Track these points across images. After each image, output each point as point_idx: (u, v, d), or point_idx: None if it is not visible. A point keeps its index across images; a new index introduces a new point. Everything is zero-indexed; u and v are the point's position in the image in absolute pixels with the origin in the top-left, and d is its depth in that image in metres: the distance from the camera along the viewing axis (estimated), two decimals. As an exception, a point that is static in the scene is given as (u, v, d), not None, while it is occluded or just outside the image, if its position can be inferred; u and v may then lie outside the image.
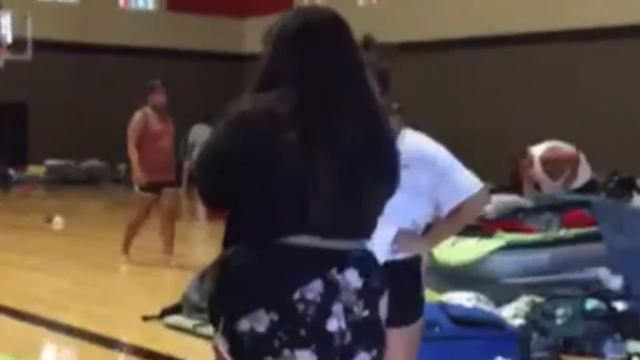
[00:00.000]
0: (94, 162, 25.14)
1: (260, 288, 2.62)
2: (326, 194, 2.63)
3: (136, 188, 10.74)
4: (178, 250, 10.88)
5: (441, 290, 6.96)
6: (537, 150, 9.98)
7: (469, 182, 3.66)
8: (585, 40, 19.13)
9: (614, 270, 7.92)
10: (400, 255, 3.61)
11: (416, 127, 3.82)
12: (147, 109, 10.75)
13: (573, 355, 6.38)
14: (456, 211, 3.67)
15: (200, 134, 22.39)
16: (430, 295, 6.76)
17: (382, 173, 2.78)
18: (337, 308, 2.66)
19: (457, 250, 7.70)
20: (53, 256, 11.52)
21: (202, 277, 7.45)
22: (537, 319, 6.65)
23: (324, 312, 2.64)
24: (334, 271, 2.66)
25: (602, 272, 7.87)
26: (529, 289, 7.29)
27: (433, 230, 3.75)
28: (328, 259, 2.67)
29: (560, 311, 6.70)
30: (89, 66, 25.22)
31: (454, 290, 6.82)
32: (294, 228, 2.63)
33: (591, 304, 6.82)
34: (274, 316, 2.60)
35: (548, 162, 9.93)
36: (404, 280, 3.56)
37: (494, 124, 19.25)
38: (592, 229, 8.34)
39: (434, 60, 21.72)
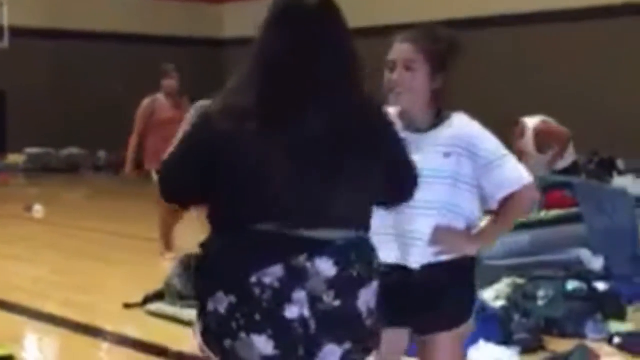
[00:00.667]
0: (74, 150, 25.02)
1: (222, 271, 2.68)
2: (282, 182, 2.63)
3: (153, 174, 10.08)
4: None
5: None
6: (531, 122, 10.06)
7: (517, 173, 3.37)
8: (563, 21, 19.16)
9: (595, 251, 7.96)
10: (444, 257, 3.35)
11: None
12: (159, 95, 10.28)
13: (555, 336, 6.39)
14: (505, 207, 3.40)
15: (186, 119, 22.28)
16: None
17: (358, 156, 2.68)
18: (300, 295, 2.61)
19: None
20: (33, 245, 11.46)
21: (184, 263, 7.45)
22: (518, 301, 6.66)
23: (282, 298, 2.61)
24: (301, 258, 2.62)
25: (583, 253, 7.90)
26: (510, 270, 7.31)
27: (481, 229, 3.47)
28: (295, 246, 2.63)
29: (541, 292, 6.72)
30: (67, 53, 25.06)
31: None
32: (263, 217, 2.65)
33: (572, 284, 6.84)
34: (232, 299, 2.65)
35: (540, 134, 10.03)
36: (447, 286, 3.35)
37: (476, 104, 19.26)
38: (573, 210, 8.37)
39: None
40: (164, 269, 7.63)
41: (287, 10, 2.74)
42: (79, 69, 24.97)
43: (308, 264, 2.62)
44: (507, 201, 3.38)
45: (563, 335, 6.42)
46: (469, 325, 3.50)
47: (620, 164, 17.04)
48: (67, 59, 25.10)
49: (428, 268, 3.27)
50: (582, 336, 6.34)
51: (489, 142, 3.37)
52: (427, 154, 3.26)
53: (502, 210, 3.42)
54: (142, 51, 25.06)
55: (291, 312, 2.62)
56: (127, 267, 9.75)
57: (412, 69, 3.31)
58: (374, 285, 2.73)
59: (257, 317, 2.63)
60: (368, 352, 2.73)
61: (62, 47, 25.13)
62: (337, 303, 2.63)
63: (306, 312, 2.62)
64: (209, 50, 26.85)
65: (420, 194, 3.09)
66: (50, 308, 7.60)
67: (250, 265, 2.64)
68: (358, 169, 2.67)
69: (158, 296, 7.44)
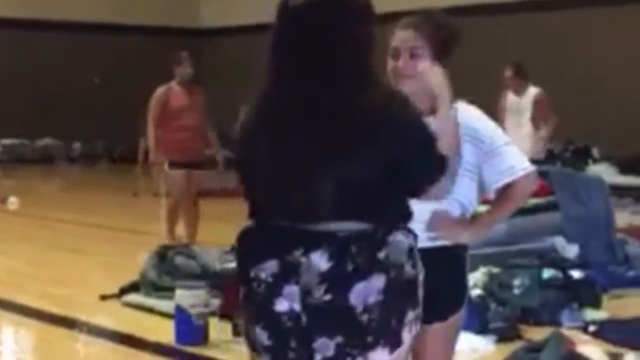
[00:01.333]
0: (49, 141, 24.88)
1: (237, 265, 2.81)
2: (274, 176, 2.69)
3: (166, 166, 9.76)
4: (141, 228, 10.80)
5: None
6: (535, 88, 10.39)
7: (517, 161, 3.33)
8: (545, 10, 19.19)
9: (570, 239, 7.99)
10: (439, 242, 3.30)
11: (473, 102, 3.58)
12: (173, 83, 9.91)
13: (530, 325, 6.42)
14: (504, 195, 3.35)
15: None
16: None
17: (347, 146, 2.64)
18: (292, 290, 2.65)
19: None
20: (8, 237, 11.39)
21: (160, 255, 7.43)
22: (494, 290, 6.68)
23: (274, 292, 2.66)
24: (297, 253, 2.65)
25: (559, 241, 7.94)
26: (486, 259, 7.33)
27: (479, 216, 3.43)
28: (291, 240, 2.66)
29: (517, 281, 6.74)
30: (41, 43, 24.86)
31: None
32: (262, 211, 2.75)
33: (548, 273, 6.87)
34: (243, 290, 2.76)
35: (538, 103, 10.24)
36: (442, 271, 3.26)
37: (461, 93, 19.26)
38: (549, 198, 8.40)
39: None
40: (139, 260, 7.60)
41: (283, 5, 2.74)
42: (54, 60, 24.79)
43: (303, 259, 2.64)
44: (506, 189, 3.35)
45: (539, 323, 6.44)
46: (460, 317, 3.43)
47: (595, 152, 17.13)
48: (40, 49, 24.92)
49: (424, 252, 3.15)
50: (558, 324, 6.37)
51: (491, 129, 3.36)
52: None
53: (501, 198, 3.39)
54: (118, 41, 24.94)
55: (281, 305, 2.66)
56: (102, 259, 9.71)
57: (416, 55, 3.29)
58: (378, 279, 2.64)
59: (252, 309, 2.74)
60: (370, 348, 2.65)
61: (35, 37, 24.95)
62: (327, 297, 2.62)
63: (297, 306, 2.64)
64: (186, 40, 26.73)
65: None
66: (26, 300, 7.56)
67: (249, 260, 2.74)
68: (350, 158, 2.64)
69: (134, 287, 7.42)
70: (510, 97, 10.57)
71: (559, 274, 6.89)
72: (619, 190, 13.04)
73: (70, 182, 20.49)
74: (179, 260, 7.31)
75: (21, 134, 24.47)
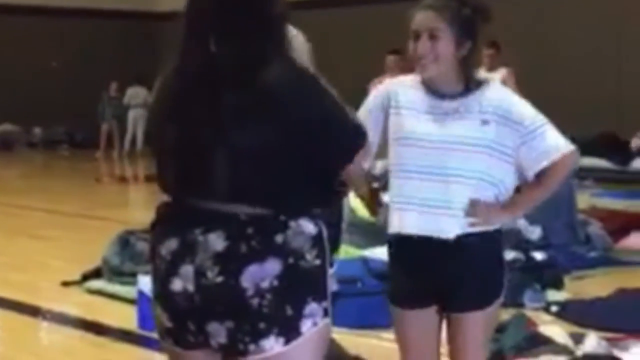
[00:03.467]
0: (8, 127, 24.65)
1: (149, 241, 2.77)
2: (177, 154, 2.65)
3: None
4: (101, 215, 10.74)
5: (362, 245, 6.98)
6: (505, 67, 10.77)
7: (558, 142, 3.22)
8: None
9: (532, 221, 8.03)
10: (477, 228, 3.21)
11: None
12: None
13: (494, 306, 6.45)
14: (545, 174, 3.22)
15: (134, 95, 22.23)
16: (352, 251, 6.79)
17: (250, 124, 2.55)
18: (187, 269, 2.58)
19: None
20: (-31, 224, 11.29)
21: (122, 240, 7.38)
22: (458, 272, 6.70)
23: (171, 270, 2.61)
24: (197, 232, 2.58)
25: (521, 223, 7.97)
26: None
27: (515, 197, 3.29)
28: (194, 219, 2.60)
29: (480, 263, 6.77)
30: (1, 28, 24.64)
31: (375, 246, 6.85)
32: (177, 188, 2.70)
33: (510, 255, 6.90)
34: (151, 267, 2.72)
35: (508, 80, 10.40)
36: (479, 258, 3.23)
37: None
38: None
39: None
40: (101, 246, 7.55)
41: None
42: (13, 44, 24.55)
43: (201, 238, 2.57)
44: (547, 169, 3.22)
45: (502, 304, 6.45)
46: (498, 306, 3.37)
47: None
48: (1, 33, 24.67)
49: (463, 238, 3.15)
50: (521, 305, 6.41)
51: (527, 109, 3.24)
52: (461, 122, 3.17)
53: (541, 179, 3.25)
54: (77, 25, 24.72)
55: (176, 285, 2.59)
56: (64, 245, 9.64)
57: (436, 37, 3.16)
58: (274, 263, 2.53)
59: (154, 287, 2.69)
60: (262, 335, 2.55)
61: (-6, 22, 24.69)
62: (219, 279, 2.54)
63: (190, 287, 2.57)
64: (144, 23, 26.55)
65: (456, 163, 3.10)
66: (-13, 287, 7.50)
67: (155, 238, 2.69)
68: (244, 127, 2.55)
69: (96, 274, 7.38)
70: (483, 74, 10.63)
71: (522, 256, 6.93)
72: (580, 172, 13.14)
73: (31, 168, 20.33)
74: (141, 245, 7.26)
75: (-21, 120, 24.24)
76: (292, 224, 2.57)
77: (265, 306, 2.52)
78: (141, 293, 6.09)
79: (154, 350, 5.55)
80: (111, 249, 7.34)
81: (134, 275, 6.50)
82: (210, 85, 2.58)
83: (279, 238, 2.55)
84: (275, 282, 2.53)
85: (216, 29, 2.60)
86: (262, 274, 2.52)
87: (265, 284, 2.52)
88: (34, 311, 6.83)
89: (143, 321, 6.07)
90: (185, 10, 2.68)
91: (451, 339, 3.36)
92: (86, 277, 7.40)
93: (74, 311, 6.81)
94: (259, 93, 2.54)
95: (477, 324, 3.30)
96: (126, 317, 6.33)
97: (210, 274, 2.54)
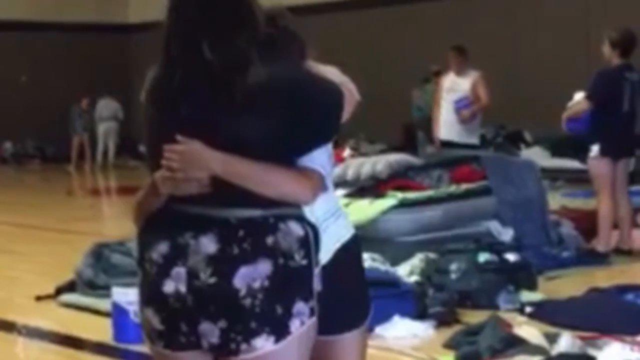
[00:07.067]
0: (-23, 142, 24.52)
1: (136, 247, 2.81)
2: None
3: None
4: (74, 228, 10.69)
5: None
6: (475, 71, 10.68)
7: None
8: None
9: (505, 223, 8.08)
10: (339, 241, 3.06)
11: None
12: None
13: (469, 308, 6.48)
14: None
15: (105, 107, 22.20)
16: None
17: (223, 112, 2.63)
18: (179, 271, 2.65)
19: (350, 212, 7.74)
20: (-60, 240, 11.19)
21: (95, 253, 7.35)
22: (432, 275, 6.73)
23: (163, 273, 2.66)
24: (187, 235, 2.65)
25: (493, 225, 8.03)
26: (423, 245, 7.38)
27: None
28: (184, 223, 2.66)
29: (454, 266, 6.80)
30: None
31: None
32: (170, 196, 2.71)
33: (484, 257, 6.94)
34: (139, 272, 2.76)
35: (477, 85, 10.42)
36: (350, 271, 3.10)
37: (387, 87, 19.35)
38: (482, 183, 8.48)
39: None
40: (74, 259, 7.51)
41: None
42: (-20, 59, 24.41)
43: (192, 241, 2.64)
44: None
45: (476, 307, 6.51)
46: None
47: (527, 135, 17.32)
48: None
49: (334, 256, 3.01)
50: (495, 307, 6.44)
51: None
52: None
53: None
54: (45, 38, 24.59)
55: (168, 287, 2.66)
56: (37, 259, 9.58)
57: None
58: (264, 264, 2.61)
59: (146, 290, 2.74)
60: (254, 334, 2.62)
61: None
62: (212, 280, 2.61)
63: (182, 288, 2.64)
64: (114, 35, 26.48)
65: None
66: (-40, 304, 7.44)
67: (145, 242, 2.74)
68: (229, 125, 2.62)
69: (70, 287, 7.34)
70: (451, 78, 10.67)
71: (495, 258, 6.96)
72: (551, 173, 13.22)
73: (2, 182, 20.19)
74: (115, 258, 7.24)
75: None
76: (282, 225, 2.65)
77: (257, 306, 2.61)
78: (116, 305, 6.07)
79: (130, 362, 5.53)
80: (85, 262, 7.30)
81: (108, 287, 6.47)
82: (204, 91, 2.64)
83: (269, 240, 2.64)
84: (267, 283, 2.61)
85: (207, 36, 2.64)
86: (254, 275, 2.61)
87: (256, 284, 2.61)
88: (8, 326, 6.78)
89: (118, 333, 6.05)
90: (170, 20, 2.72)
91: None
92: (60, 291, 7.36)
93: (48, 325, 6.76)
94: (249, 96, 2.61)
95: (353, 345, 3.08)
96: (101, 330, 6.30)
97: (203, 276, 2.62)
